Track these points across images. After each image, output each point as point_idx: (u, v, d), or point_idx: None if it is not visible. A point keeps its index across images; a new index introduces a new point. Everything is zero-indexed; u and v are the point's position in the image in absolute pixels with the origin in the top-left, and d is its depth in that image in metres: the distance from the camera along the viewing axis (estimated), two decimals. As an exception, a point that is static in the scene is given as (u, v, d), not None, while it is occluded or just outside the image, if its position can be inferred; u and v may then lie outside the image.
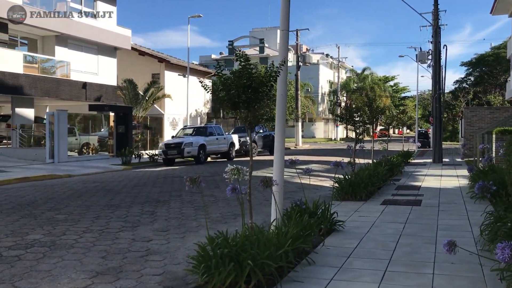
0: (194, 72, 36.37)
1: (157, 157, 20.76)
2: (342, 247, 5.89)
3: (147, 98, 27.16)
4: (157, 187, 12.47)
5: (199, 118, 34.52)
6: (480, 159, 17.65)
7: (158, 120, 27.92)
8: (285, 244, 4.86)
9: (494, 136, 16.15)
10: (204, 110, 38.68)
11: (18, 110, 22.28)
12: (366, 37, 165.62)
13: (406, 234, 6.53)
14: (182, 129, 23.56)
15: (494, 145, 15.62)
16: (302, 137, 58.00)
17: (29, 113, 22.97)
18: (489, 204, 8.85)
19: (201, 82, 4.97)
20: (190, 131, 22.59)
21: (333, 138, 60.12)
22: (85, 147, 25.04)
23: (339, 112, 11.19)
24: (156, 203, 9.79)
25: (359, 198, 9.76)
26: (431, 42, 22.33)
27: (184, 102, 34.01)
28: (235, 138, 24.40)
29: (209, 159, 24.24)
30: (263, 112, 5.17)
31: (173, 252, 5.87)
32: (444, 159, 21.05)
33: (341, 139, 57.42)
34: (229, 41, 77.62)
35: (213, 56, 79.16)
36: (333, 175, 15.54)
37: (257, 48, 75.36)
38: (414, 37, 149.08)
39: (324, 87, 69.73)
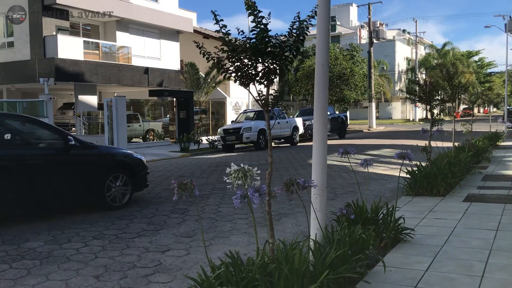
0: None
1: (216, 143, 19.82)
2: (407, 268, 4.35)
3: (208, 81, 26.27)
4: (204, 177, 11.38)
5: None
6: None
7: (220, 105, 27.01)
8: (320, 274, 3.45)
9: None
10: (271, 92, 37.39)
11: (81, 97, 22.26)
12: (447, 10, 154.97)
13: (499, 249, 4.84)
14: (242, 113, 22.36)
15: None
16: (378, 118, 55.03)
17: (92, 100, 22.91)
18: None
19: (200, 48, 3.62)
20: (250, 115, 21.37)
21: (411, 119, 56.50)
22: (149, 134, 24.78)
23: (413, 90, 9.27)
24: (193, 197, 8.65)
25: (436, 193, 8.00)
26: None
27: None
28: (299, 121, 22.84)
29: (273, 144, 23.01)
30: (280, 91, 3.71)
31: (187, 270, 4.65)
32: (541, 141, 18.19)
33: (420, 120, 53.75)
34: (298, 21, 75.41)
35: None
36: (407, 162, 13.75)
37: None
38: (502, 6, 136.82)
39: (401, 64, 65.70)
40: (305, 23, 3.52)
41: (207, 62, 3.70)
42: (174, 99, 23.09)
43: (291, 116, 25.89)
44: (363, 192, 9.18)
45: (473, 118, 15.75)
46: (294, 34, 3.51)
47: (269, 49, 3.48)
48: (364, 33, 67.60)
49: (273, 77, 3.55)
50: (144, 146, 21.18)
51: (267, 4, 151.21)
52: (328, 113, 21.44)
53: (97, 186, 7.22)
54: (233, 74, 3.56)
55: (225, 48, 3.57)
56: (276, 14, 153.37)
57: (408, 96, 8.89)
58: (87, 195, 7.26)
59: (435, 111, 8.73)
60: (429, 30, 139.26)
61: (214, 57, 3.59)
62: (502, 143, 18.57)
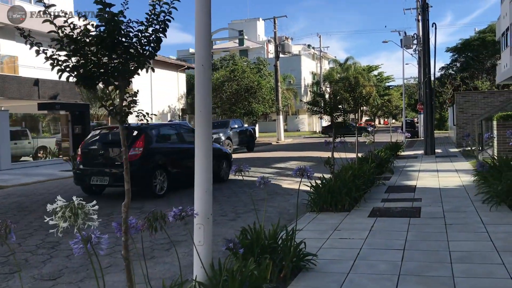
0: (165, 65, 33.91)
1: (116, 160, 18.33)
2: (308, 308, 3.66)
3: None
4: (93, 200, 10.12)
5: (169, 115, 32.06)
6: (479, 149, 15.63)
7: (123, 118, 25.44)
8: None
9: (495, 122, 14.07)
10: (178, 105, 36.22)
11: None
12: (349, 28, 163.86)
13: (407, 273, 4.33)
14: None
15: (495, 133, 13.56)
16: (286, 130, 55.83)
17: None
18: (508, 211, 6.73)
19: (26, 37, 2.69)
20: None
21: (317, 131, 58.01)
22: (41, 151, 22.51)
23: (316, 101, 8.70)
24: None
25: (340, 208, 7.56)
26: (419, 20, 20.22)
27: (156, 97, 31.58)
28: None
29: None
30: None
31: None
32: (436, 150, 18.98)
33: (322, 132, 55.31)
34: (207, 34, 75.00)
35: (191, 50, 76.44)
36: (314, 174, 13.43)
37: (237, 41, 72.73)
38: (397, 24, 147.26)
39: (307, 78, 67.56)
40: (165, 6, 2.71)
41: (36, 56, 2.77)
42: (68, 113, 21.19)
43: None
44: (266, 210, 8.59)
45: (375, 129, 15.96)
46: (154, 22, 2.69)
47: (123, 39, 2.63)
48: (272, 47, 68.60)
49: (128, 77, 2.69)
50: (32, 165, 19.07)
51: (178, 18, 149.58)
52: (236, 126, 20.98)
53: (217, 167, 12.02)
54: (74, 73, 2.65)
55: (65, 38, 2.66)
56: (185, 28, 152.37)
57: (309, 108, 8.43)
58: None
59: (338, 120, 8.35)
60: (333, 46, 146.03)
61: (46, 49, 2.66)
62: (402, 153, 19.14)
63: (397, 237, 5.69)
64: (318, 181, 8.11)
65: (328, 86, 61.09)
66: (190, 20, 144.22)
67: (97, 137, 10.75)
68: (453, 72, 54.96)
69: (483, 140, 15.41)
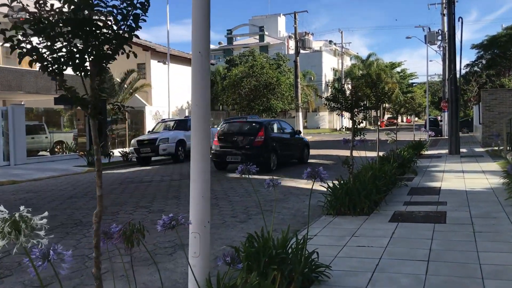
0: (183, 60, 33.63)
1: (130, 155, 18.05)
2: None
3: (125, 88, 24.42)
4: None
5: (187, 111, 31.74)
6: (508, 149, 14.85)
7: (140, 113, 25.20)
8: None
9: (525, 121, 13.32)
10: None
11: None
12: (372, 24, 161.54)
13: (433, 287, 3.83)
14: (160, 122, 20.60)
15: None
16: (305, 128, 55.15)
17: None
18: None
19: None
20: (170, 124, 19.77)
21: (338, 129, 57.14)
22: (58, 146, 22.47)
23: (335, 97, 8.23)
24: (72, 227, 7.13)
25: (359, 211, 7.05)
26: (444, 14, 19.41)
27: (175, 93, 31.33)
28: (221, 132, 21.65)
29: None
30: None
31: None
32: (461, 150, 18.21)
33: (347, 129, 54.36)
34: (227, 30, 74.74)
35: (212, 46, 76.30)
36: (332, 173, 12.88)
37: (257, 37, 72.31)
38: (421, 20, 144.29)
39: (328, 75, 66.62)
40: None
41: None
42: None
43: (215, 126, 24.68)
44: (279, 211, 8.14)
45: (397, 127, 15.35)
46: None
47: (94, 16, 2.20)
48: (292, 43, 68.00)
49: (101, 62, 2.26)
50: (47, 160, 18.96)
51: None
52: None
53: (301, 152, 16.14)
54: (36, 57, 2.23)
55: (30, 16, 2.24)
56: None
57: (327, 104, 7.92)
58: (298, 156, 15.91)
59: (357, 120, 7.83)
60: (355, 43, 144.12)
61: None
62: (426, 152, 18.43)
63: (421, 246, 5.17)
64: (336, 182, 7.62)
65: (349, 82, 60.18)
66: (211, 16, 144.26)
67: (227, 127, 15.25)
68: (478, 69, 53.43)
69: (506, 139, 14.63)
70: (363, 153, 9.91)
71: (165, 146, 17.29)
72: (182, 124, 19.06)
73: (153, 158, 18.39)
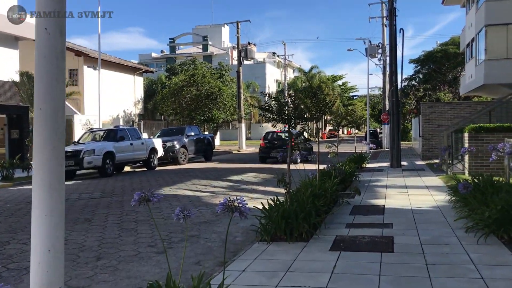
0: (120, 68, 31.94)
1: (52, 169, 16.32)
2: None
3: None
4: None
5: (121, 120, 30.05)
6: (449, 162, 14.59)
7: (67, 123, 23.33)
8: None
9: (466, 135, 13.07)
10: (135, 111, 34.24)
11: None
12: (314, 41, 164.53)
13: None
14: (88, 132, 18.91)
15: (466, 146, 12.53)
16: (249, 139, 54.47)
17: None
18: (500, 245, 5.48)
19: None
20: (98, 134, 18.19)
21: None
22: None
23: (267, 106, 7.31)
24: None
25: (297, 236, 6.15)
26: (385, 25, 19.24)
27: (109, 101, 29.58)
28: (157, 142, 20.27)
29: (127, 168, 20.08)
30: None
31: None
32: (402, 163, 17.95)
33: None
34: (170, 39, 73.05)
35: (153, 55, 74.36)
36: (271, 189, 11.97)
37: (201, 46, 71.16)
38: (362, 34, 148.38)
39: (271, 86, 66.56)
40: None
41: None
42: (4, 115, 19.07)
43: (151, 137, 23.27)
44: (207, 237, 7.09)
45: (339, 139, 14.76)
46: None
47: None
48: (236, 54, 67.52)
49: None
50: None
51: (142, 23, 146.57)
52: (193, 133, 19.41)
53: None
54: None
55: None
56: (150, 33, 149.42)
57: (262, 114, 7.01)
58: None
59: (295, 131, 6.96)
60: (298, 56, 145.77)
61: None
62: (367, 165, 18.02)
63: (367, 285, 4.30)
64: (271, 201, 6.69)
65: (292, 95, 60.14)
66: (154, 25, 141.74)
67: (269, 134, 22.25)
68: (416, 83, 55.05)
69: (453, 154, 14.40)
70: (303, 166, 9.09)
71: (91, 159, 15.73)
72: (111, 134, 17.57)
73: (78, 172, 16.78)
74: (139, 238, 6.88)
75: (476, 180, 7.80)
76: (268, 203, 6.83)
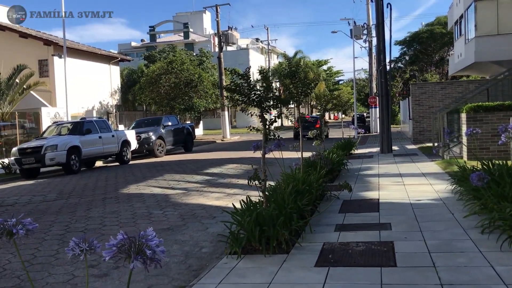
0: (94, 56, 30.30)
1: (13, 167, 14.89)
2: None
3: (14, 87, 20.91)
4: None
5: (94, 112, 28.47)
6: (446, 145, 13.47)
7: (35, 116, 21.70)
8: None
9: (464, 115, 11.93)
10: (111, 102, 32.64)
11: None
12: (299, 25, 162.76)
13: None
14: (54, 125, 17.29)
15: (464, 128, 11.43)
16: (235, 127, 53.03)
17: None
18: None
19: None
20: (64, 128, 16.69)
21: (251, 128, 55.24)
22: None
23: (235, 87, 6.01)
24: None
25: (275, 247, 4.93)
26: (372, 1, 17.98)
27: (83, 92, 27.99)
28: (130, 134, 18.82)
29: (100, 163, 18.67)
30: None
31: None
32: (392, 147, 16.80)
33: (276, 128, 52.92)
34: (150, 27, 70.95)
35: (133, 44, 72.24)
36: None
37: (182, 34, 69.18)
38: (346, 14, 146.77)
39: (255, 73, 64.83)
40: None
41: None
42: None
43: (125, 128, 21.84)
44: (168, 249, 5.84)
45: (326, 123, 13.56)
46: None
47: None
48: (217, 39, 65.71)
49: None
50: None
51: (124, 13, 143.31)
52: (170, 123, 17.82)
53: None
54: None
55: None
56: (132, 24, 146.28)
57: (228, 96, 5.75)
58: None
59: (270, 117, 5.73)
60: (282, 42, 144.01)
61: None
62: (356, 151, 16.87)
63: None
64: (244, 202, 5.47)
65: (277, 80, 58.87)
66: (136, 15, 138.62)
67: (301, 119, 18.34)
68: (402, 65, 54.03)
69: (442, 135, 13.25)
70: (285, 154, 7.88)
71: (53, 155, 14.26)
72: (78, 127, 16.10)
73: (43, 170, 15.35)
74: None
75: (485, 167, 6.63)
76: (241, 204, 5.62)
